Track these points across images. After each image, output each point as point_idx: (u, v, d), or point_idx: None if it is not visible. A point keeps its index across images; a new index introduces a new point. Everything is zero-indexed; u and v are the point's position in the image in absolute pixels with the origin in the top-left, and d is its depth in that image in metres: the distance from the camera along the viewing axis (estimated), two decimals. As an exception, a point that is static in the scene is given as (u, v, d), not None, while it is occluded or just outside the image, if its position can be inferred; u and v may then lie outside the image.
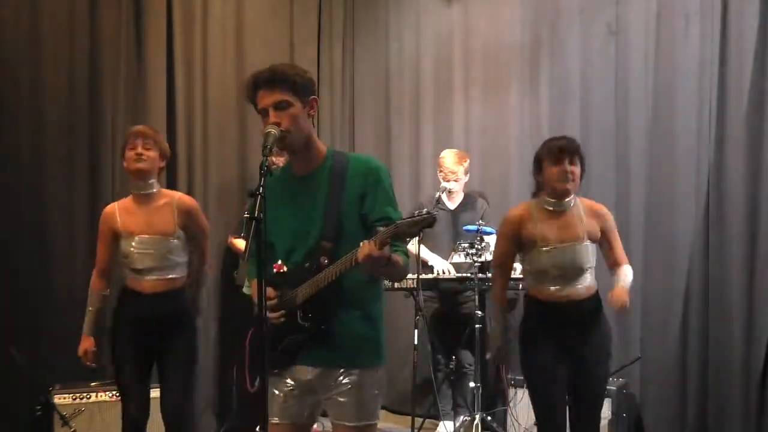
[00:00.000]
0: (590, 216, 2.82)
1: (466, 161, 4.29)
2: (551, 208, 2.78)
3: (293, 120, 2.00)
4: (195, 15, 4.66)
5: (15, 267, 3.94)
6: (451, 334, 4.22)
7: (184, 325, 3.04)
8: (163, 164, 3.02)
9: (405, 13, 5.17)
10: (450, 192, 4.23)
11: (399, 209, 2.10)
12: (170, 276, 2.97)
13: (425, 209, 1.89)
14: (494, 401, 4.17)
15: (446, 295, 4.27)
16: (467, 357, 4.25)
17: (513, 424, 3.83)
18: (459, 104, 4.89)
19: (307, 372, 2.08)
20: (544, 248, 2.73)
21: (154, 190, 2.98)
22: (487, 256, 3.87)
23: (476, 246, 3.80)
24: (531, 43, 4.59)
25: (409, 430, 3.99)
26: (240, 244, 4.14)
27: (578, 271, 2.74)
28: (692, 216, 3.95)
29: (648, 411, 4.00)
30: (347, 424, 2.08)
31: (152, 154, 2.94)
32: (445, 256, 4.19)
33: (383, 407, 5.05)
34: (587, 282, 2.79)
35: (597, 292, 2.84)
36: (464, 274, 4.02)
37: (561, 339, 2.76)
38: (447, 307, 4.32)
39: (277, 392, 2.14)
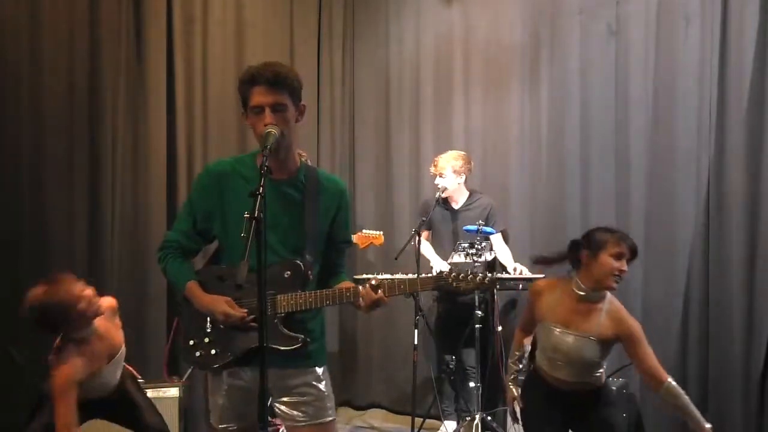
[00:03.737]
0: (610, 318, 2.64)
1: (458, 160, 4.21)
2: (583, 294, 2.63)
3: (286, 123, 2.03)
4: (195, 15, 4.66)
5: (15, 267, 3.94)
6: (454, 334, 4.21)
7: None
8: None
9: (405, 14, 5.16)
10: (445, 190, 4.18)
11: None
12: None
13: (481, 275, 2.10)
14: (494, 401, 4.16)
15: (448, 295, 4.25)
16: (470, 358, 4.24)
17: (513, 424, 3.82)
18: (459, 104, 4.88)
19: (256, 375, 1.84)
20: (551, 326, 2.66)
21: None
22: (487, 256, 3.87)
23: (476, 246, 3.79)
24: (531, 43, 4.59)
25: (409, 430, 3.99)
26: None
27: (579, 363, 2.63)
28: (692, 216, 3.95)
29: (648, 411, 4.00)
30: (316, 422, 2.09)
31: None
32: (446, 256, 4.18)
33: (383, 407, 5.06)
34: (591, 379, 2.70)
35: (602, 386, 2.76)
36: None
37: (564, 411, 2.73)
38: (449, 308, 4.31)
39: (221, 400, 2.10)
